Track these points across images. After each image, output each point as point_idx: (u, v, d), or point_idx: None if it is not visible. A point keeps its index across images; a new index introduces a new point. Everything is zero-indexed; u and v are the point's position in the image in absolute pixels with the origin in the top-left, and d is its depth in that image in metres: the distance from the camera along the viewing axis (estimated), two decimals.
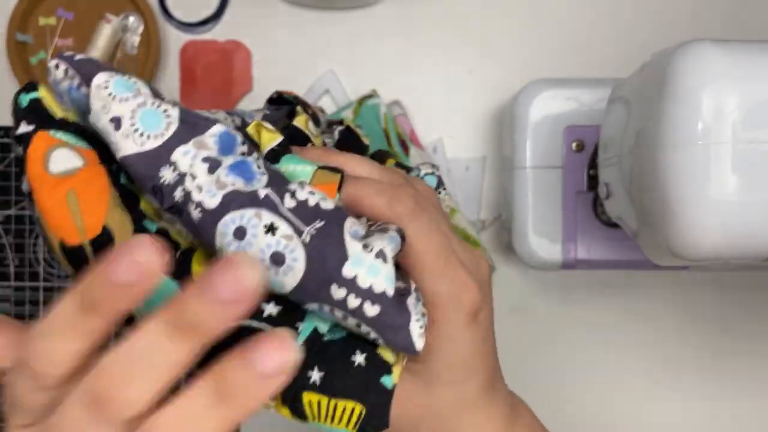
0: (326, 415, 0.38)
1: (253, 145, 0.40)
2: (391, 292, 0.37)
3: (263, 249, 0.36)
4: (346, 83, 0.75)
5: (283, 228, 0.36)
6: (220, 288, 0.30)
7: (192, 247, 0.40)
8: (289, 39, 0.75)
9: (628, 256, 0.66)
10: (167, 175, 0.37)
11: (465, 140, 0.75)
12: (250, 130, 0.41)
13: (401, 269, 0.40)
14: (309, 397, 0.38)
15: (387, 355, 0.40)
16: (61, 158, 0.36)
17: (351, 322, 0.38)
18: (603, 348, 0.76)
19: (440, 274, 0.41)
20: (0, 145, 0.74)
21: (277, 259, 0.36)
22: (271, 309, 0.39)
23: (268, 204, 0.36)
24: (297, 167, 0.39)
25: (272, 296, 0.39)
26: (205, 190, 0.36)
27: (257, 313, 0.39)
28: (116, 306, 0.31)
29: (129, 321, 0.34)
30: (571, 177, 0.66)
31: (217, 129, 0.38)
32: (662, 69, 0.47)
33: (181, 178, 0.37)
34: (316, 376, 0.39)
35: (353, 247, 0.37)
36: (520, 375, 0.76)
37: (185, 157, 0.37)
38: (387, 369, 0.40)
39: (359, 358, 0.40)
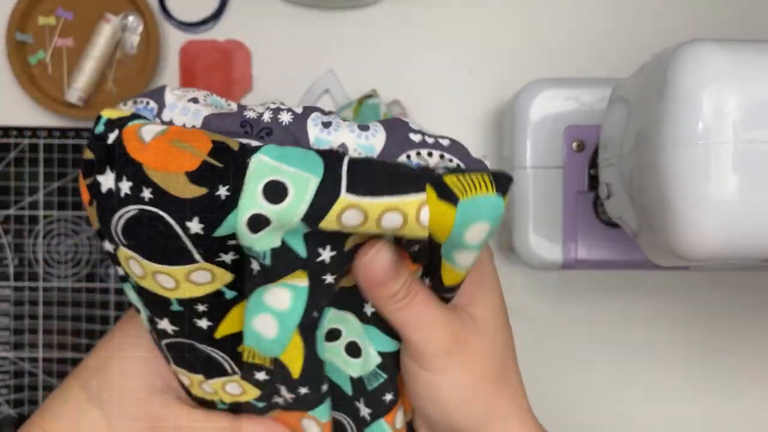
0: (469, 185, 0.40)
1: None
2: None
3: (350, 125, 0.41)
4: (346, 83, 0.75)
5: None
6: None
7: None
8: (289, 38, 0.75)
9: (628, 256, 0.66)
10: (251, 113, 0.42)
11: (465, 140, 0.75)
12: None
13: None
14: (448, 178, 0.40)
15: None
16: (150, 130, 0.39)
17: (435, 155, 0.43)
18: (603, 347, 0.76)
19: None
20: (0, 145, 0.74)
21: (363, 127, 0.41)
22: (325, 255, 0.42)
23: None
24: None
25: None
26: (291, 106, 0.42)
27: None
28: None
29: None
30: (571, 177, 0.66)
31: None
32: (662, 69, 0.47)
33: (266, 108, 0.42)
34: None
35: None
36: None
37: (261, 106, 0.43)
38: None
39: None
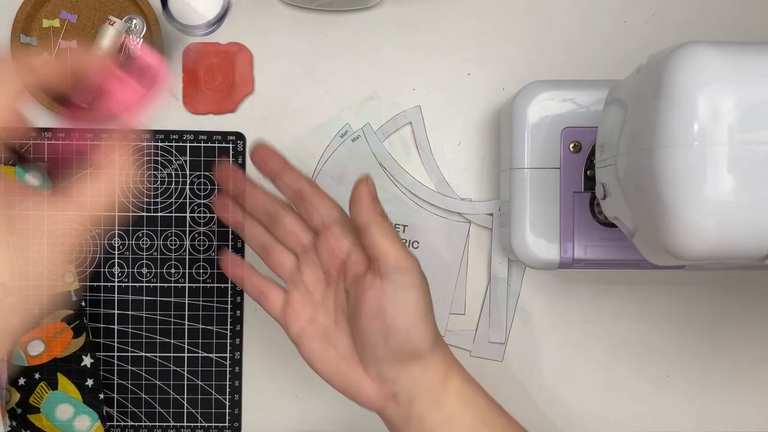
0: None
1: None
2: None
3: None
4: (346, 84, 0.76)
5: None
6: None
7: None
8: (291, 41, 0.75)
9: (624, 255, 0.66)
10: None
11: (464, 141, 0.76)
12: None
13: None
14: None
15: None
16: None
17: None
18: (599, 346, 0.77)
19: None
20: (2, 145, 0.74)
21: None
22: None
23: None
24: None
25: None
26: None
27: None
28: None
29: None
30: (568, 178, 0.66)
31: None
32: (658, 71, 0.47)
33: None
34: None
35: None
36: (516, 373, 0.76)
37: None
38: None
39: None
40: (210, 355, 0.75)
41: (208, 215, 0.75)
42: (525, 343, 0.76)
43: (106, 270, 0.75)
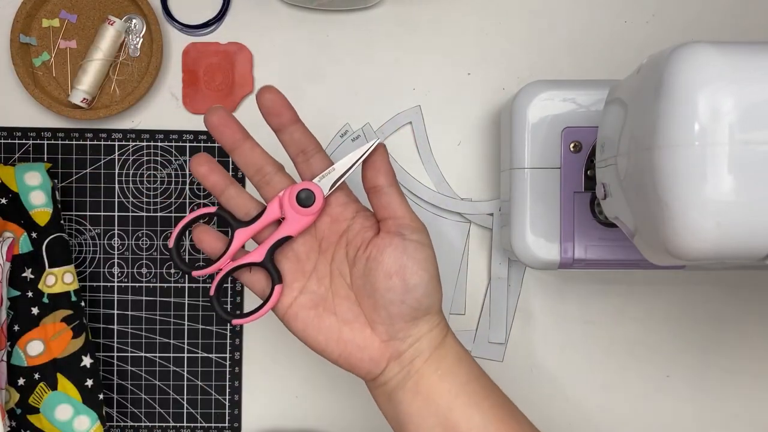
0: None
1: None
2: None
3: None
4: (346, 84, 0.76)
5: None
6: None
7: None
8: (291, 41, 0.75)
9: (624, 255, 0.66)
10: None
11: (464, 141, 0.76)
12: None
13: None
14: None
15: None
16: None
17: None
18: (599, 346, 0.77)
19: None
20: (2, 145, 0.74)
21: None
22: None
23: None
24: None
25: None
26: None
27: None
28: None
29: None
30: (568, 177, 0.66)
31: None
32: (659, 70, 0.47)
33: None
34: None
35: None
36: (516, 373, 0.76)
37: None
38: None
39: None
40: (210, 355, 0.75)
41: (208, 215, 0.75)
42: (525, 343, 0.76)
43: (106, 270, 0.75)
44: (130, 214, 0.75)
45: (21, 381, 0.70)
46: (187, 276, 0.75)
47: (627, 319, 0.76)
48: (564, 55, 0.76)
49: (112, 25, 0.72)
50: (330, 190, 0.58)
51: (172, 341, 0.75)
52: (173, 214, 0.75)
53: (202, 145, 0.75)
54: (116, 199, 0.75)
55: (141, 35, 0.74)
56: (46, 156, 0.74)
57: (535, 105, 0.67)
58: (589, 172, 0.66)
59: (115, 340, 0.75)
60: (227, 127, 0.58)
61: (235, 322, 0.59)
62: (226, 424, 0.75)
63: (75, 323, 0.71)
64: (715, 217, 0.45)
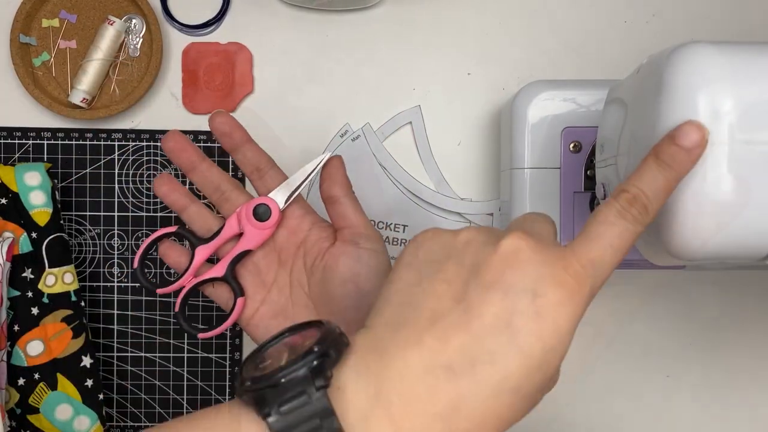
0: None
1: None
2: None
3: None
4: (346, 85, 0.76)
5: None
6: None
7: None
8: (290, 41, 0.75)
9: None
10: None
11: (464, 141, 0.76)
12: None
13: None
14: None
15: None
16: None
17: None
18: (599, 346, 0.77)
19: None
20: (2, 145, 0.74)
21: None
22: None
23: None
24: None
25: None
26: None
27: None
28: None
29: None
30: (568, 178, 0.66)
31: None
32: (659, 70, 0.47)
33: None
34: None
35: None
36: None
37: None
38: None
39: None
40: (210, 355, 0.75)
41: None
42: None
43: (106, 270, 0.75)
44: (130, 214, 0.75)
45: (21, 381, 0.70)
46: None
47: (627, 319, 0.76)
48: (564, 55, 0.76)
49: (111, 25, 0.72)
50: (285, 203, 0.60)
51: (172, 341, 0.75)
52: (173, 214, 0.75)
53: (202, 145, 0.75)
54: (116, 199, 0.75)
55: (141, 35, 0.74)
56: (46, 156, 0.74)
57: (535, 105, 0.67)
58: (589, 172, 0.66)
59: (115, 340, 0.75)
60: (184, 151, 0.61)
61: (201, 336, 0.62)
62: None
63: (75, 323, 0.71)
64: (715, 217, 0.45)
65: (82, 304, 0.71)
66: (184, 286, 0.61)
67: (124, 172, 0.75)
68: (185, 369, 0.75)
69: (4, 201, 0.70)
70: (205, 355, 0.75)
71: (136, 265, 0.61)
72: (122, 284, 0.75)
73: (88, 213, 0.75)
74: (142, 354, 0.75)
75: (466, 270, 0.42)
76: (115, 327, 0.75)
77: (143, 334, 0.75)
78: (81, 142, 0.74)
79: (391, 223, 0.76)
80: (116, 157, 0.75)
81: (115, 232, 0.75)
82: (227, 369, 0.75)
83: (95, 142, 0.75)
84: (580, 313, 0.44)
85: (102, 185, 0.75)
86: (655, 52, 0.50)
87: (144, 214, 0.75)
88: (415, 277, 0.44)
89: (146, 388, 0.75)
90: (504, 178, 0.71)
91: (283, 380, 0.40)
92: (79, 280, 0.72)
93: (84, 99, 0.72)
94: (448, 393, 0.40)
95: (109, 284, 0.75)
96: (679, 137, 0.44)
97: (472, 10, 0.76)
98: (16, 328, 0.70)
